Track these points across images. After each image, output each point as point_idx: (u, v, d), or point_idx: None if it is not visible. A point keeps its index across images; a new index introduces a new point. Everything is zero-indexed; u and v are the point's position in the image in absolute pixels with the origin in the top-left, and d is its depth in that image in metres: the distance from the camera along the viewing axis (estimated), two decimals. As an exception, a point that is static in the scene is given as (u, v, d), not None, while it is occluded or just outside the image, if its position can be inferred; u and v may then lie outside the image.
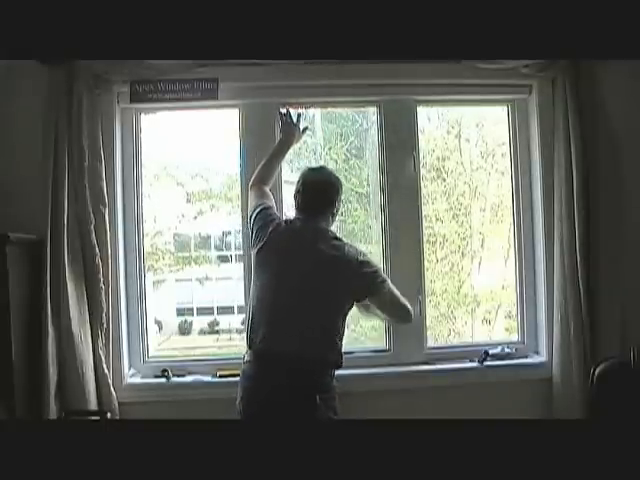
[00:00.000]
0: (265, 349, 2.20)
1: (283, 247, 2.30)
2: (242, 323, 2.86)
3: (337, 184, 2.44)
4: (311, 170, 2.51)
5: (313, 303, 2.21)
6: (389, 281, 2.34)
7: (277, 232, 2.32)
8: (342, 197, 2.49)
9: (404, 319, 2.40)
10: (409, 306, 2.36)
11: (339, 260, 2.26)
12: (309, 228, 2.34)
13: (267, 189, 2.52)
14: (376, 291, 2.30)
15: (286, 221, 2.39)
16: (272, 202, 2.48)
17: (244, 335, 2.29)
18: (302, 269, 2.24)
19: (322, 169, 2.54)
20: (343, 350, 2.27)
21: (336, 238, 2.34)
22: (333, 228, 2.46)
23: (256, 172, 2.56)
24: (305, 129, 2.68)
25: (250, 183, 2.55)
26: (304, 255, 2.26)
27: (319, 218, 2.37)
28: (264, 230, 2.33)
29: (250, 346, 2.25)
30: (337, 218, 2.51)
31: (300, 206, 2.41)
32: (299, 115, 2.66)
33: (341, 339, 2.26)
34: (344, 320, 2.28)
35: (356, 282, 2.27)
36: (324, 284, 2.23)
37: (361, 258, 2.29)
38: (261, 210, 2.41)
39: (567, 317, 2.60)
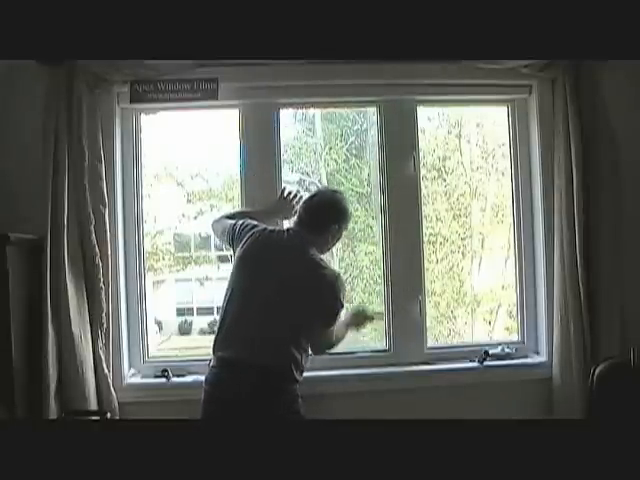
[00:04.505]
0: (223, 356, 2.21)
1: (259, 254, 2.28)
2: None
3: (343, 211, 2.38)
4: (329, 189, 2.50)
5: (275, 314, 2.19)
6: (339, 320, 2.33)
7: (259, 236, 2.30)
8: (344, 229, 2.42)
9: (320, 353, 2.37)
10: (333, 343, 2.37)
11: (310, 282, 2.24)
12: (293, 242, 2.30)
13: None
14: (325, 326, 2.29)
15: (273, 230, 2.35)
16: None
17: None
18: (270, 279, 2.22)
19: (338, 192, 2.48)
20: (307, 360, 2.26)
21: (316, 260, 2.27)
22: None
23: (228, 214, 2.54)
24: (296, 212, 2.53)
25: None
26: (277, 266, 2.24)
27: (310, 236, 2.31)
28: (247, 232, 2.32)
29: (214, 352, 2.26)
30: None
31: (298, 216, 2.38)
32: (300, 197, 2.56)
33: (300, 352, 2.21)
34: (307, 336, 2.24)
35: (317, 312, 2.24)
36: (289, 299, 2.21)
37: (332, 292, 2.23)
38: (242, 219, 2.40)
39: (567, 317, 2.59)
